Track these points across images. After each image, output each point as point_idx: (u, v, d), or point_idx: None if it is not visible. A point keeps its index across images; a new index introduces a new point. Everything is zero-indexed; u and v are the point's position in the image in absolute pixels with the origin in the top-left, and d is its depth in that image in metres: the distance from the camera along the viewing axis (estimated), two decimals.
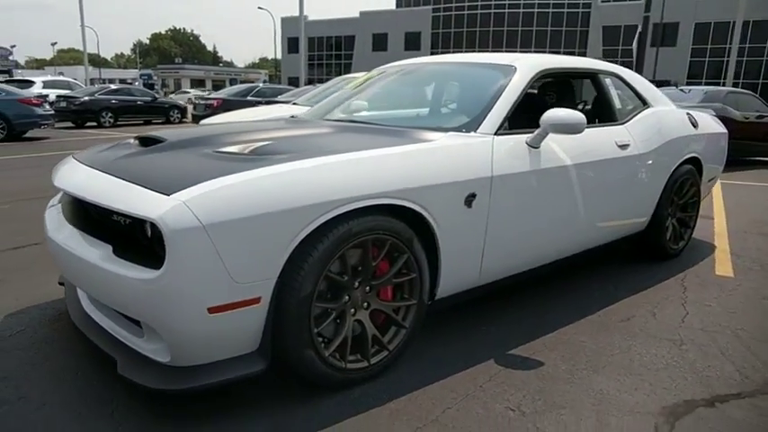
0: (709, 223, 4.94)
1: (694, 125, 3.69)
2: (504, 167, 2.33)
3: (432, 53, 53.06)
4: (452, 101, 2.89)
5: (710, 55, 41.60)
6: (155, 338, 1.75)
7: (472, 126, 2.42)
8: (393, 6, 57.20)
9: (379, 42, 54.34)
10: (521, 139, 2.47)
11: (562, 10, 49.04)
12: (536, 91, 3.58)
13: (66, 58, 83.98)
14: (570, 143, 2.71)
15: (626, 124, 3.18)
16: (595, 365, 2.27)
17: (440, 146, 2.22)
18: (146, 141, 2.27)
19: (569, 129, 2.40)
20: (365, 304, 2.05)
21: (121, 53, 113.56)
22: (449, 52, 52.79)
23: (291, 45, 59.39)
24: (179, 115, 17.38)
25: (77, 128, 14.61)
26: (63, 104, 14.40)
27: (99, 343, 1.94)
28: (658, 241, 3.60)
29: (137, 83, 50.43)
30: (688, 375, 2.21)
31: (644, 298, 3.06)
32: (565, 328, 2.62)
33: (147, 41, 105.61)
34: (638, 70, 15.64)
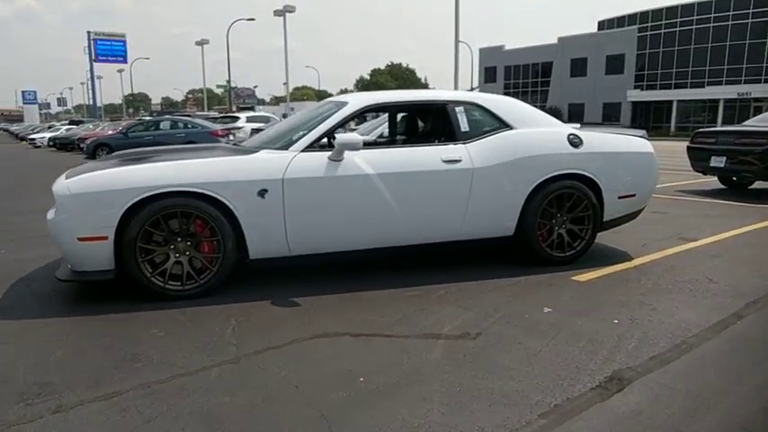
0: (678, 243, 4.94)
1: (575, 145, 4.10)
2: (297, 173, 3.45)
3: (636, 76, 49.48)
4: (302, 128, 4.01)
5: None
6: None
7: (287, 146, 3.60)
8: (594, 29, 54.93)
9: (578, 67, 52.59)
10: (324, 154, 3.55)
11: None
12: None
13: (298, 94, 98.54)
14: (383, 157, 3.66)
15: (467, 144, 3.90)
16: (333, 313, 3.22)
17: (249, 158, 3.47)
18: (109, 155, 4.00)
19: (351, 147, 3.44)
20: (187, 252, 3.39)
21: (345, 88, 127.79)
22: (656, 74, 48.73)
23: (489, 74, 60.97)
24: None
25: None
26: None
27: (62, 262, 3.66)
28: (530, 246, 4.10)
29: None
30: (406, 321, 3.04)
31: (476, 285, 3.72)
32: (371, 292, 3.55)
33: (368, 77, 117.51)
34: None
